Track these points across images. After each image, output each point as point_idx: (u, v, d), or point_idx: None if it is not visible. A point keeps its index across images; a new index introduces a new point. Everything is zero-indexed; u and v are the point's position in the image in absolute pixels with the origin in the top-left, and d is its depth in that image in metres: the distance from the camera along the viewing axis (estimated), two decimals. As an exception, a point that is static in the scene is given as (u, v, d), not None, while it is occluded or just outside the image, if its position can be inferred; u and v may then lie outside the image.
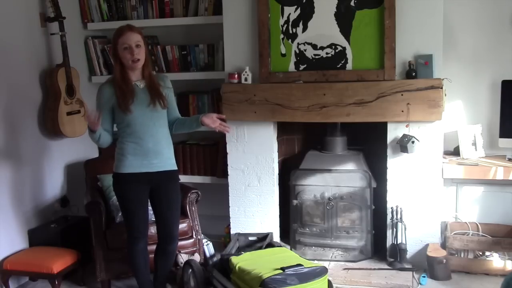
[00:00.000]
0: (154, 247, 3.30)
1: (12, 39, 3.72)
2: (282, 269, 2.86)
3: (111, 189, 3.44)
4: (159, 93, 3.08)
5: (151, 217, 3.30)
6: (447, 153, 3.80)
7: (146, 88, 3.07)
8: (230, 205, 4.04)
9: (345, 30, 3.61)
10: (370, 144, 3.93)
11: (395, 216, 3.63)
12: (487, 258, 3.58)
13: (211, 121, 3.13)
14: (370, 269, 3.61)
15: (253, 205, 3.99)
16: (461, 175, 3.58)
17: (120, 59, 3.00)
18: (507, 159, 3.59)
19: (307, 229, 3.96)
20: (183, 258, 3.60)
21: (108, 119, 3.08)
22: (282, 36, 3.75)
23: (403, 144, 3.49)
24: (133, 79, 3.06)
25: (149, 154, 3.07)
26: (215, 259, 3.84)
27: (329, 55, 3.67)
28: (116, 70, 3.05)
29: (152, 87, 3.07)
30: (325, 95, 3.62)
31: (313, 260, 3.52)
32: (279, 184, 3.99)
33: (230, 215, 4.05)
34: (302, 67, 3.74)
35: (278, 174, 3.98)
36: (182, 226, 3.61)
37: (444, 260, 3.49)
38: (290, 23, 3.72)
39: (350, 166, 3.83)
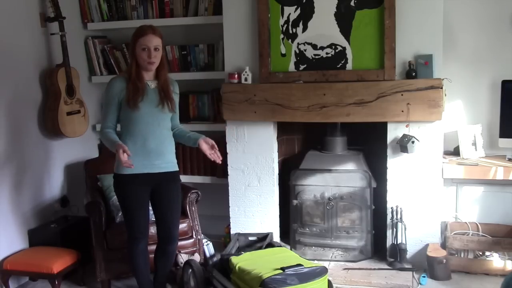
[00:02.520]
0: (154, 247, 3.30)
1: (12, 39, 3.72)
2: (282, 269, 2.86)
3: (111, 189, 3.44)
4: (170, 96, 3.09)
5: (151, 217, 3.30)
6: (447, 153, 3.80)
7: (157, 89, 3.07)
8: (230, 205, 4.04)
9: (345, 30, 3.61)
10: (370, 144, 3.93)
11: (395, 216, 3.63)
12: (487, 258, 3.58)
13: (208, 148, 3.11)
14: (370, 269, 3.61)
15: (253, 205, 3.99)
16: (461, 175, 3.58)
17: (137, 58, 3.02)
18: (507, 159, 3.59)
19: (307, 229, 3.96)
20: (183, 258, 3.60)
21: (115, 115, 3.08)
22: (282, 36, 3.75)
23: (403, 144, 3.49)
24: (146, 78, 3.07)
25: (151, 154, 3.06)
26: (215, 259, 3.85)
27: (329, 55, 3.67)
28: (132, 67, 3.05)
29: (165, 89, 3.08)
30: (325, 95, 3.62)
31: (313, 260, 3.52)
32: (279, 184, 3.99)
33: (230, 215, 4.05)
34: (302, 67, 3.74)
35: (278, 174, 3.98)
36: (182, 226, 3.61)
37: (444, 260, 3.49)
38: (290, 23, 3.72)
39: (350, 166, 3.83)
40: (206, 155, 3.13)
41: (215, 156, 3.13)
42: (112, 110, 3.07)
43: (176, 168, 3.21)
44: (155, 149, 3.07)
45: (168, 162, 3.14)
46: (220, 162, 3.19)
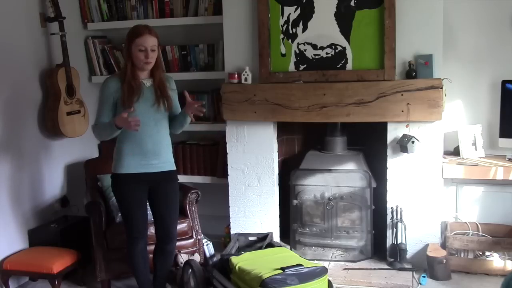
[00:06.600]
0: (153, 247, 3.30)
1: (12, 39, 3.72)
2: (282, 269, 2.86)
3: (111, 189, 3.43)
4: (166, 95, 3.09)
5: (150, 217, 3.30)
6: (447, 153, 3.80)
7: (153, 87, 3.07)
8: (230, 205, 4.04)
9: (345, 30, 3.61)
10: (370, 144, 3.93)
11: (395, 216, 3.63)
12: (487, 258, 3.58)
13: (188, 107, 3.07)
14: (370, 269, 3.61)
15: (253, 205, 3.99)
16: (461, 175, 3.58)
17: (132, 58, 3.01)
18: (507, 159, 3.59)
19: (307, 229, 3.96)
20: (183, 258, 3.60)
21: (110, 114, 3.08)
22: (282, 36, 3.75)
23: (403, 144, 3.49)
24: (141, 77, 3.07)
25: (148, 154, 3.07)
26: (215, 259, 3.85)
27: (329, 55, 3.67)
28: (127, 67, 3.04)
29: (161, 88, 3.07)
30: (325, 95, 3.62)
31: (313, 260, 3.52)
32: (279, 184, 3.99)
33: (230, 215, 4.05)
34: (302, 67, 3.74)
35: (278, 174, 3.98)
36: (182, 226, 3.62)
37: (444, 260, 3.49)
38: (290, 23, 3.72)
39: (350, 166, 3.83)
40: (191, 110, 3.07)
41: (197, 110, 3.07)
42: (107, 109, 3.06)
43: (174, 167, 3.21)
44: (152, 149, 3.07)
45: (165, 162, 3.14)
46: (202, 113, 3.13)
